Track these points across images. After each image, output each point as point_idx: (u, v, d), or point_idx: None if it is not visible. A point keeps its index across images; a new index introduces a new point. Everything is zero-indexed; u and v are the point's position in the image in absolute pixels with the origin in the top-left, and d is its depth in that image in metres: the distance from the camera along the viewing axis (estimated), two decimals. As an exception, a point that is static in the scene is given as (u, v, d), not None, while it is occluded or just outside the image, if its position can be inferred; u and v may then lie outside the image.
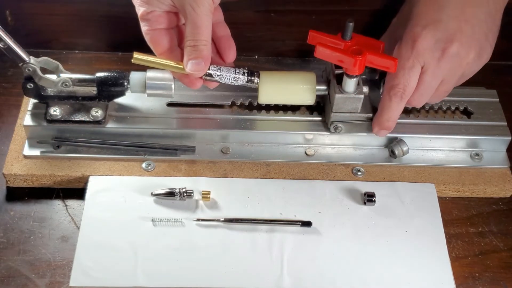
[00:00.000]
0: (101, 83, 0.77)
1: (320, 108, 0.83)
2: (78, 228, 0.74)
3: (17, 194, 0.78)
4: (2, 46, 0.72)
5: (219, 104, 0.83)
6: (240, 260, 0.72)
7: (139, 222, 0.74)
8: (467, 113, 0.85)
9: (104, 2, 0.88)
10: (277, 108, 0.83)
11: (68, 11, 0.88)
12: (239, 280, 0.70)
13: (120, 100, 0.81)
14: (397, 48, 0.75)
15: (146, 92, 0.77)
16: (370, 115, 0.79)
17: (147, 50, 0.93)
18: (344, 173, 0.80)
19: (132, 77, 0.77)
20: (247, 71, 0.76)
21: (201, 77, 0.74)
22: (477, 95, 0.86)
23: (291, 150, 0.81)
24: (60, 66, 0.78)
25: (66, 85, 0.77)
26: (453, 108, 0.85)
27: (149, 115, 0.81)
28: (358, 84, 0.77)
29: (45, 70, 0.77)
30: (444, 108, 0.85)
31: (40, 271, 0.71)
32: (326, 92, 0.80)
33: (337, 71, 0.78)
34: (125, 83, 0.77)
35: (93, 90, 0.78)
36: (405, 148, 0.80)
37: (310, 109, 0.83)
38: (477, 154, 0.82)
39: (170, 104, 0.82)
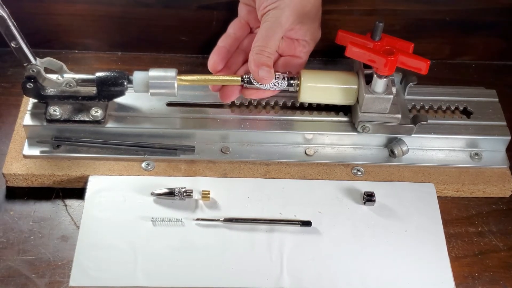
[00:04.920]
0: (101, 83, 0.77)
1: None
2: (78, 227, 0.74)
3: (16, 194, 0.78)
4: (13, 46, 0.72)
5: (219, 104, 0.83)
6: (239, 260, 0.72)
7: (139, 222, 0.74)
8: (466, 113, 0.85)
9: (104, 2, 0.88)
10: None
11: (67, 11, 0.88)
12: (238, 280, 0.70)
13: (119, 99, 0.81)
14: None
15: (150, 92, 0.77)
16: (399, 115, 0.79)
17: (146, 50, 0.93)
18: (344, 173, 0.80)
19: (135, 77, 0.77)
20: (287, 75, 0.78)
21: (242, 87, 0.78)
22: (476, 95, 0.86)
23: (290, 150, 0.81)
24: (64, 67, 0.78)
25: (70, 85, 0.77)
26: (452, 108, 0.85)
27: (148, 115, 0.81)
28: (388, 84, 0.77)
29: (46, 70, 0.77)
30: (444, 108, 0.85)
31: (40, 271, 0.71)
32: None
33: (366, 71, 0.78)
34: (125, 83, 0.77)
35: (93, 90, 0.78)
36: (404, 148, 0.80)
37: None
38: (476, 154, 0.82)
39: (170, 104, 0.82)
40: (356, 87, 0.79)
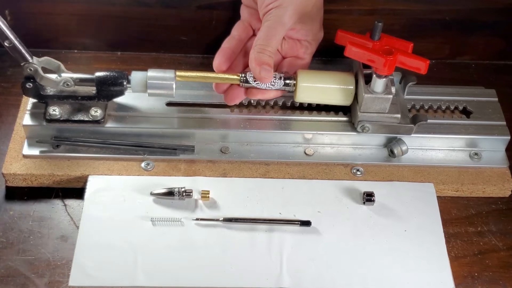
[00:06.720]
0: (100, 83, 0.77)
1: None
2: (78, 227, 0.74)
3: (16, 194, 0.78)
4: (7, 45, 0.72)
5: (218, 103, 0.83)
6: (239, 260, 0.72)
7: (139, 222, 0.74)
8: (466, 113, 0.85)
9: (104, 2, 0.88)
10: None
11: (67, 10, 0.88)
12: (238, 280, 0.70)
13: (119, 99, 0.81)
14: None
15: (147, 92, 0.77)
16: (398, 115, 0.79)
17: (146, 49, 0.93)
18: (343, 173, 0.80)
19: (133, 77, 0.77)
20: (283, 75, 0.78)
21: (239, 85, 0.78)
22: (476, 95, 0.86)
23: (290, 150, 0.81)
24: (62, 66, 0.78)
25: (67, 85, 0.77)
26: (452, 107, 0.85)
27: (148, 115, 0.81)
28: (387, 84, 0.77)
29: (44, 70, 0.77)
30: (443, 107, 0.85)
31: (40, 271, 0.71)
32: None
33: (365, 71, 0.78)
34: (124, 83, 0.77)
35: (92, 90, 0.78)
36: (404, 148, 0.80)
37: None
38: (476, 154, 0.82)
39: (169, 104, 0.82)
40: (352, 87, 0.79)
